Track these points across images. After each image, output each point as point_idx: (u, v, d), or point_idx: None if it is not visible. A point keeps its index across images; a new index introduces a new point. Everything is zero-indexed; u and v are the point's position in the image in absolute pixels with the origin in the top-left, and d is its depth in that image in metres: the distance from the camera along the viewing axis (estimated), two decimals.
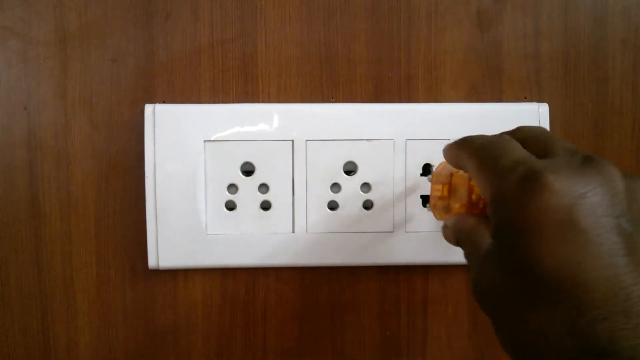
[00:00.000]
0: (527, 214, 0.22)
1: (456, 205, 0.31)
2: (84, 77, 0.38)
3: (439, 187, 0.34)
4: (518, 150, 0.25)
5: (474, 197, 0.30)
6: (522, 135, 0.27)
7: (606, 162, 0.23)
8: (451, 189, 0.32)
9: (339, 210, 0.38)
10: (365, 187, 0.38)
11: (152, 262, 0.37)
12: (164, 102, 0.38)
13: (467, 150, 0.27)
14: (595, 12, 0.39)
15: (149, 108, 0.37)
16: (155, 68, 0.38)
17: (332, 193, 0.38)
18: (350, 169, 0.38)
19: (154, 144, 0.37)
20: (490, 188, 0.25)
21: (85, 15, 0.37)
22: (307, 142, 0.37)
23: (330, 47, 0.38)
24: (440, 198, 0.33)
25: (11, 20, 0.37)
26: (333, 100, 0.38)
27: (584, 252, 0.21)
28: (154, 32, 0.38)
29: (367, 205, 0.38)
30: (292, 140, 0.37)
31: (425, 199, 0.38)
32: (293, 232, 0.38)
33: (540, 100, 0.39)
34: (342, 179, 0.37)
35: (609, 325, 0.20)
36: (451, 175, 0.32)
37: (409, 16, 0.38)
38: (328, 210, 0.38)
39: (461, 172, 0.31)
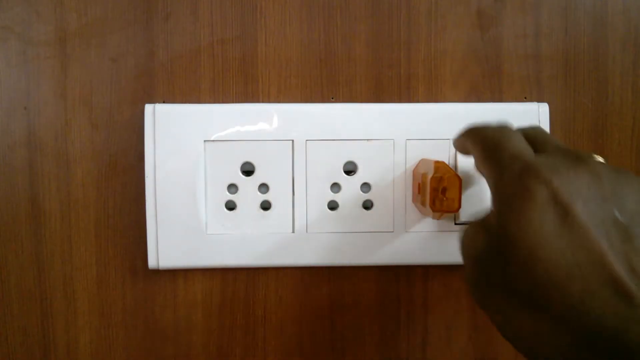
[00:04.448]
0: (527, 212, 0.23)
1: (426, 202, 0.33)
2: (84, 77, 0.38)
3: (416, 184, 0.36)
4: (518, 144, 0.25)
5: (437, 199, 0.32)
6: (522, 132, 0.27)
7: (596, 161, 0.23)
8: (423, 187, 0.34)
9: (339, 210, 0.38)
10: (365, 187, 0.38)
11: (152, 262, 0.37)
12: (164, 102, 0.38)
13: (472, 140, 0.28)
14: (595, 12, 0.39)
15: (149, 108, 0.37)
16: (155, 68, 0.38)
17: (332, 193, 0.38)
18: (350, 169, 0.38)
19: (154, 144, 0.37)
20: (492, 181, 0.25)
21: (85, 15, 0.37)
22: (307, 142, 0.37)
23: (330, 47, 0.38)
24: (418, 194, 0.36)
25: (11, 20, 0.37)
26: (333, 100, 0.38)
27: (585, 247, 0.21)
28: (154, 32, 0.38)
29: (367, 205, 0.38)
30: (292, 140, 0.37)
31: None
32: (293, 232, 0.38)
33: (540, 100, 0.39)
34: (342, 179, 0.37)
35: (617, 320, 0.20)
36: (424, 174, 0.34)
37: (409, 16, 0.38)
38: (328, 210, 0.38)
39: (430, 173, 0.33)
